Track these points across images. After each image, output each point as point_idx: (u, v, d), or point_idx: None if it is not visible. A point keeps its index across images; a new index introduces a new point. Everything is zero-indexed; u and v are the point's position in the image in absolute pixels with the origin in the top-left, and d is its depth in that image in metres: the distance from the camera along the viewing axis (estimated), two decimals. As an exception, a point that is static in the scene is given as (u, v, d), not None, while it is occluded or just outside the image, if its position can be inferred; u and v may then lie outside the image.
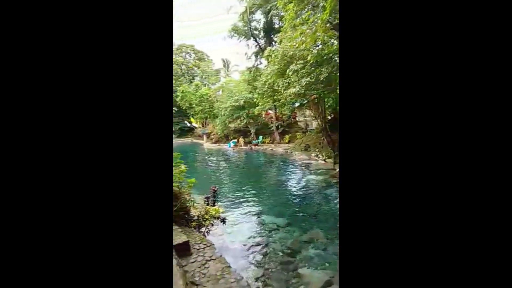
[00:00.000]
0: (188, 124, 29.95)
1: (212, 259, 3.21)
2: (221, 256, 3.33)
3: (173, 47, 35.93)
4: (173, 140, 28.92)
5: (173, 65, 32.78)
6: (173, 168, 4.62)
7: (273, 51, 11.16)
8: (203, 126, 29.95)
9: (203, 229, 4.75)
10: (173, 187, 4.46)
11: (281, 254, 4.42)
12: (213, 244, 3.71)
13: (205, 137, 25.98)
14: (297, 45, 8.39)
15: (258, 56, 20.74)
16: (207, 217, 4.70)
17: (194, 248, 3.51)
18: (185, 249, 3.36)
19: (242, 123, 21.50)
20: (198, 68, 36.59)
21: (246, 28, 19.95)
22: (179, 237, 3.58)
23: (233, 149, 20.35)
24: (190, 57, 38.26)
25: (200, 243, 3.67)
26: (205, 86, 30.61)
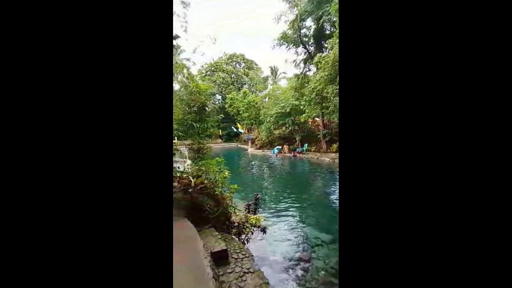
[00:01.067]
0: (235, 130, 31.04)
1: (250, 272, 3.08)
2: (259, 270, 3.18)
3: (225, 56, 38.05)
4: (220, 144, 30.23)
5: (224, 74, 34.67)
6: (217, 173, 4.70)
7: (324, 57, 10.76)
8: (248, 132, 30.68)
9: (242, 237, 4.68)
10: (216, 192, 4.53)
11: (323, 272, 4.05)
12: (252, 255, 3.58)
13: (250, 143, 26.51)
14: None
15: (307, 63, 20.36)
16: (247, 225, 4.62)
17: (232, 257, 3.45)
18: (223, 257, 3.32)
19: (287, 130, 21.23)
20: (247, 76, 37.87)
21: (296, 35, 19.83)
22: (218, 244, 3.57)
23: (277, 156, 20.18)
24: (240, 66, 39.91)
25: (239, 252, 3.59)
26: (252, 94, 31.43)
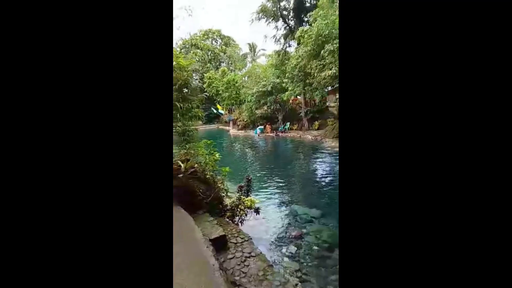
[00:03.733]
0: (215, 111, 30.10)
1: (252, 256, 2.98)
2: (261, 253, 3.09)
3: (201, 32, 35.80)
4: (200, 126, 29.46)
5: (200, 51, 32.78)
6: (207, 156, 4.43)
7: (306, 31, 10.36)
8: (229, 112, 29.98)
9: (236, 219, 4.57)
10: (207, 176, 4.29)
11: (316, 248, 4.11)
12: (251, 238, 3.48)
13: (231, 124, 26.04)
14: (333, 23, 7.60)
15: (287, 39, 19.72)
16: (241, 207, 4.49)
17: (231, 242, 3.32)
18: (222, 243, 3.17)
19: (269, 110, 20.99)
20: (225, 53, 36.24)
21: (275, 8, 18.92)
22: (215, 229, 3.41)
23: (260, 136, 20.08)
24: (217, 42, 37.94)
25: (237, 236, 3.47)
26: (231, 72, 30.33)
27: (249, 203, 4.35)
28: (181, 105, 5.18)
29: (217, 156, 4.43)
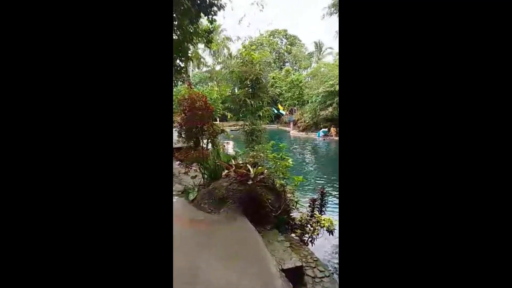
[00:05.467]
0: (276, 111, 29.80)
1: (339, 305, 2.19)
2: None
3: (267, 32, 36.14)
4: (258, 126, 29.43)
5: (268, 48, 32.91)
6: (277, 161, 3.82)
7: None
8: (290, 113, 29.24)
9: (306, 237, 3.82)
10: (277, 185, 3.68)
11: None
12: (333, 273, 2.70)
13: (291, 125, 25.26)
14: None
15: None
16: (315, 225, 3.72)
17: (307, 275, 2.61)
18: (297, 275, 2.49)
19: (336, 111, 19.31)
20: (290, 53, 35.64)
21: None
22: (288, 255, 2.76)
23: (323, 139, 18.67)
24: (282, 42, 37.67)
25: (315, 267, 2.73)
26: (296, 72, 29.55)
27: (326, 223, 3.54)
28: (252, 102, 4.80)
29: (290, 162, 3.77)
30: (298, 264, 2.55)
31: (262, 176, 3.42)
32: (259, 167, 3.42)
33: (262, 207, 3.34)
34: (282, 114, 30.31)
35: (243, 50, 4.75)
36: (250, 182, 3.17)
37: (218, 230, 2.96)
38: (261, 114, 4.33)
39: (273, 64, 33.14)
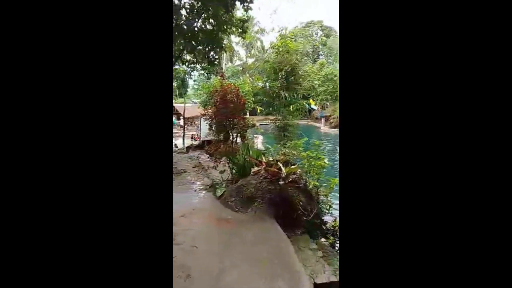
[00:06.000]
0: (307, 106, 28.88)
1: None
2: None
3: (302, 25, 34.90)
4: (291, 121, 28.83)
5: (304, 40, 31.78)
6: (312, 160, 3.51)
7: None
8: (322, 108, 28.08)
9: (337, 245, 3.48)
10: (310, 187, 3.38)
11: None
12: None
13: (323, 120, 24.24)
14: None
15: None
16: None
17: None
18: (331, 292, 2.21)
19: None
20: (325, 45, 34.06)
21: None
22: (321, 266, 2.49)
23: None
24: (317, 35, 36.12)
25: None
26: (330, 65, 28.19)
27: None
28: (286, 94, 4.45)
29: (325, 162, 3.43)
30: (334, 279, 2.26)
31: (294, 176, 3.14)
32: (292, 167, 3.15)
33: (294, 209, 3.08)
34: (314, 109, 29.28)
35: (279, 38, 4.43)
36: (281, 182, 2.92)
37: (246, 231, 2.78)
38: (295, 108, 4.01)
39: (305, 58, 32.02)
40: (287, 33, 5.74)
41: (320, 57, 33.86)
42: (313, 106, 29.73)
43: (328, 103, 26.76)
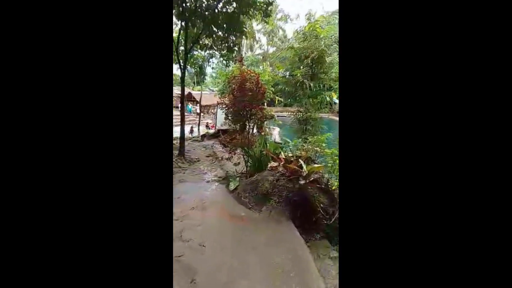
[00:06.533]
0: (328, 99, 27.90)
1: None
2: None
3: (327, 14, 33.31)
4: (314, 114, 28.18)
5: (330, 28, 30.47)
6: (336, 158, 3.15)
7: None
8: (344, 102, 26.99)
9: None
10: (333, 187, 3.05)
11: None
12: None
13: (344, 115, 23.31)
14: None
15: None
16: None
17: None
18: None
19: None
20: (350, 35, 32.32)
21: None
22: (342, 280, 2.21)
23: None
24: (343, 23, 34.32)
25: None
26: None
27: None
28: (311, 84, 4.02)
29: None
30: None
31: (316, 175, 2.82)
32: (316, 165, 2.83)
33: (314, 211, 2.79)
34: (335, 103, 28.27)
35: (308, 22, 4.01)
36: (301, 181, 2.62)
37: (259, 233, 2.54)
38: (320, 99, 3.62)
39: (335, 45, 30.78)
40: (316, 18, 5.28)
41: (345, 48, 32.38)
42: (335, 99, 28.59)
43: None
